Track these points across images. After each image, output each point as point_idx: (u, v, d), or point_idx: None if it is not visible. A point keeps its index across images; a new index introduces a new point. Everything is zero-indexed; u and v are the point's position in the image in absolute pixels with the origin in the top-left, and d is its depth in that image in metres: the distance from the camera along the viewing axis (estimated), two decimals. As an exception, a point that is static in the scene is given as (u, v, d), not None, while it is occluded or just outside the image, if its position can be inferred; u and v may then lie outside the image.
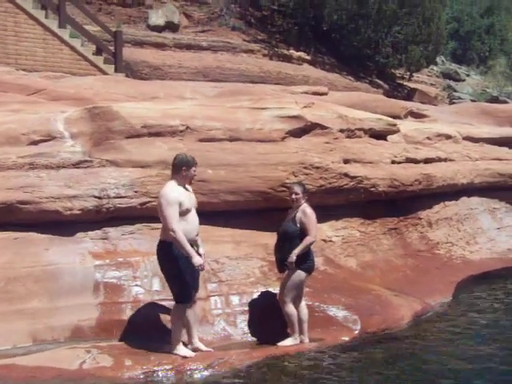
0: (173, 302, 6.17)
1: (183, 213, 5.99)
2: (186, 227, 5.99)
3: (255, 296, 7.00)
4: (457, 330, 7.45)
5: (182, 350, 6.06)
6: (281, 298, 6.68)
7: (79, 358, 5.76)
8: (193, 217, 6.11)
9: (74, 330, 6.22)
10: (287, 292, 6.60)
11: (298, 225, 6.63)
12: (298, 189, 6.77)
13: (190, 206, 6.10)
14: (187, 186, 6.26)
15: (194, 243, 6.10)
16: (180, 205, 5.96)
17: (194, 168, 6.23)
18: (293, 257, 6.51)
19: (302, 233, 6.60)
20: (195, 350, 6.16)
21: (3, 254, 6.52)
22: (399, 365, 6.33)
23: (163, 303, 6.54)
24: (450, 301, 8.48)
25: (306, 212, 6.66)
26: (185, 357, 5.98)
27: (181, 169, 6.17)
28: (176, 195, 6.01)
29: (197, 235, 6.16)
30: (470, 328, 7.52)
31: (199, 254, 6.10)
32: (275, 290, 6.95)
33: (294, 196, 6.74)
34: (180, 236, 5.89)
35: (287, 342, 6.59)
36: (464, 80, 29.45)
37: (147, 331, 6.30)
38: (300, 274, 6.62)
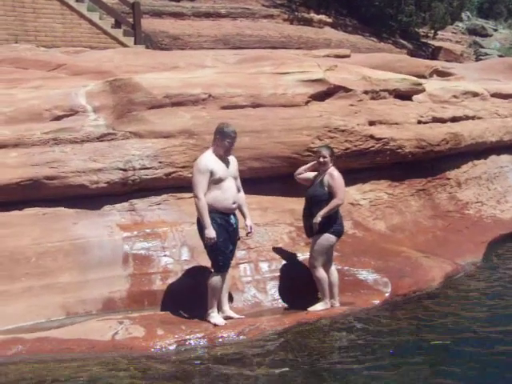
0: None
1: (216, 181, 5.98)
2: (219, 195, 5.99)
3: (284, 262, 6.98)
4: (488, 289, 7.38)
5: (214, 317, 6.10)
6: (310, 262, 6.65)
7: (112, 329, 5.81)
8: (228, 186, 6.07)
9: (105, 302, 6.28)
10: (317, 256, 6.57)
11: (326, 188, 6.56)
12: (326, 152, 6.70)
13: (225, 175, 6.05)
14: (230, 156, 6.20)
15: (230, 211, 6.10)
16: (212, 173, 5.95)
17: (228, 139, 6.09)
18: (318, 218, 6.46)
19: (330, 196, 6.54)
20: (226, 317, 6.18)
21: (33, 230, 6.58)
22: (432, 325, 6.29)
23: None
24: (481, 261, 8.37)
25: (333, 175, 6.59)
26: (215, 324, 6.02)
27: (215, 137, 6.15)
28: (207, 163, 6.00)
29: (234, 203, 6.11)
30: (501, 287, 7.43)
31: (246, 225, 6.28)
32: (304, 254, 6.93)
33: (321, 159, 6.66)
34: (201, 204, 5.91)
35: (318, 306, 6.58)
36: (491, 35, 28.74)
37: (180, 300, 6.33)
38: (329, 238, 6.57)
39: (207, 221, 5.93)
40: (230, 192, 6.08)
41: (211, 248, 6.05)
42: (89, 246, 6.53)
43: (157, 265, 6.61)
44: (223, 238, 6.01)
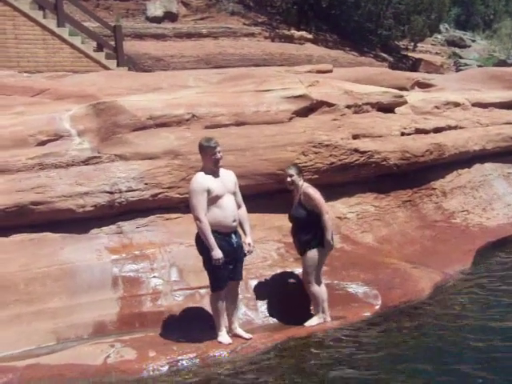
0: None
1: (213, 200, 5.88)
2: (218, 214, 5.89)
3: (274, 278, 6.98)
4: (477, 297, 7.40)
5: (220, 336, 6.07)
6: (304, 278, 6.65)
7: (103, 353, 5.78)
8: (227, 203, 5.95)
9: (95, 325, 6.25)
10: (311, 271, 6.56)
11: (306, 208, 6.57)
12: (289, 171, 6.68)
13: (222, 192, 5.93)
14: (223, 170, 6.09)
15: (230, 230, 5.99)
16: (208, 192, 5.86)
17: (211, 152, 5.96)
18: (330, 243, 6.53)
19: (310, 215, 6.55)
20: (235, 335, 6.15)
21: (20, 256, 6.55)
22: (423, 338, 6.32)
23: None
24: (470, 269, 8.41)
25: (308, 193, 6.58)
26: (220, 342, 6.00)
27: (201, 154, 6.09)
28: (202, 182, 5.90)
29: (234, 221, 6.00)
30: (491, 295, 7.46)
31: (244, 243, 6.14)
32: (293, 270, 6.94)
33: (288, 179, 6.66)
34: (204, 226, 5.82)
35: (313, 321, 6.57)
36: (470, 46, 29.12)
37: (171, 321, 6.33)
38: (321, 250, 6.58)
39: (212, 242, 5.82)
40: (229, 209, 5.96)
41: (209, 268, 6.00)
42: (77, 270, 6.50)
43: (146, 286, 6.60)
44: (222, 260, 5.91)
